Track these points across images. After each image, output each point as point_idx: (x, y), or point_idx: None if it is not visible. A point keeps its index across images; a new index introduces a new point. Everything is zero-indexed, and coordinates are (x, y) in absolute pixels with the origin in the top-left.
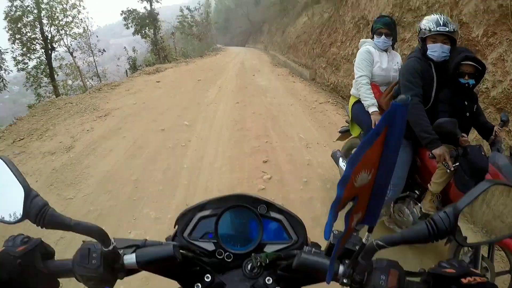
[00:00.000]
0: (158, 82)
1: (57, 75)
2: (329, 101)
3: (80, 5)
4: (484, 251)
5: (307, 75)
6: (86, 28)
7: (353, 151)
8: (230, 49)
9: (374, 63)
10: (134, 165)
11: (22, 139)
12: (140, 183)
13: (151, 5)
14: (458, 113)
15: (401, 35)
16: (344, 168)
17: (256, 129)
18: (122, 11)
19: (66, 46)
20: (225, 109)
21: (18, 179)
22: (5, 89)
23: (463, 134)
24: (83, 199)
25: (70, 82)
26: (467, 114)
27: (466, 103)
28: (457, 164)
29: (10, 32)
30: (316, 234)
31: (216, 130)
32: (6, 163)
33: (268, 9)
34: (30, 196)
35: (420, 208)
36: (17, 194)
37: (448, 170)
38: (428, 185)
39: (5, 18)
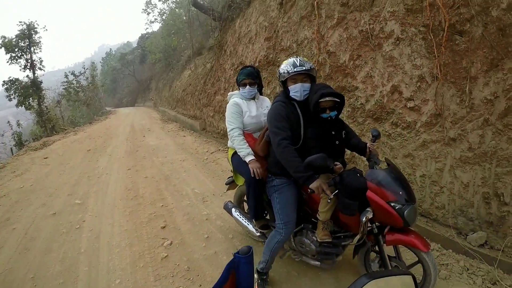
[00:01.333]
0: (46, 158)
1: None
2: (219, 149)
3: None
4: (390, 252)
5: (197, 126)
6: None
7: (245, 197)
8: (120, 110)
9: (243, 113)
10: (28, 260)
11: None
12: (39, 280)
13: (34, 73)
14: (327, 144)
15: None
16: (238, 218)
17: (149, 194)
18: (4, 82)
19: None
20: (117, 178)
21: None
22: None
23: (336, 162)
24: None
25: None
26: (337, 142)
27: (333, 133)
28: (337, 191)
29: None
30: None
31: (109, 203)
32: None
33: (154, 65)
34: None
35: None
36: None
37: (329, 200)
38: (317, 215)
39: None
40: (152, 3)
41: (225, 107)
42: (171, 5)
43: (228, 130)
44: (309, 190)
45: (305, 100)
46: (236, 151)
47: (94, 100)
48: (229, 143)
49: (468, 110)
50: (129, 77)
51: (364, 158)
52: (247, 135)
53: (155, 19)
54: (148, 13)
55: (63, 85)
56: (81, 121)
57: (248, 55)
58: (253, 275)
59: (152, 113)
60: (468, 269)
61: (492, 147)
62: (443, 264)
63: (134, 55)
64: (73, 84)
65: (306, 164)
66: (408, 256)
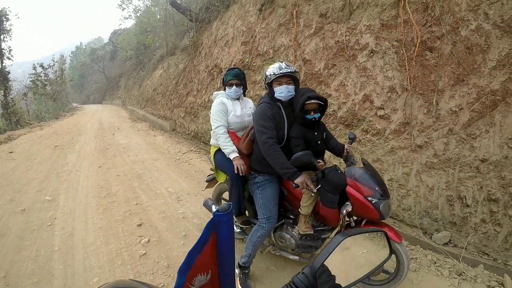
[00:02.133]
0: (11, 152)
1: None
2: (192, 150)
3: None
4: None
5: (167, 126)
6: None
7: (223, 195)
8: (87, 107)
9: (228, 112)
10: None
11: None
12: (11, 279)
13: (1, 62)
14: (310, 143)
15: (252, 78)
16: None
17: (123, 192)
18: None
19: None
20: (87, 175)
21: None
22: None
23: (318, 160)
24: None
25: None
26: (318, 142)
27: (315, 133)
28: (319, 186)
29: None
30: None
31: (81, 201)
32: None
33: (124, 63)
34: None
35: (298, 231)
36: None
37: (313, 194)
38: (299, 209)
39: None
40: None
41: (197, 109)
42: (146, 2)
43: (213, 128)
44: (293, 185)
45: (289, 102)
46: (219, 148)
47: (61, 95)
48: (213, 141)
49: (434, 120)
50: (98, 73)
51: (333, 161)
52: (231, 133)
53: (130, 15)
54: (123, 9)
55: (31, 77)
56: (47, 116)
57: (223, 58)
58: (234, 235)
59: (121, 111)
60: (435, 262)
61: (455, 154)
62: (412, 258)
63: (105, 51)
64: (41, 76)
65: (293, 160)
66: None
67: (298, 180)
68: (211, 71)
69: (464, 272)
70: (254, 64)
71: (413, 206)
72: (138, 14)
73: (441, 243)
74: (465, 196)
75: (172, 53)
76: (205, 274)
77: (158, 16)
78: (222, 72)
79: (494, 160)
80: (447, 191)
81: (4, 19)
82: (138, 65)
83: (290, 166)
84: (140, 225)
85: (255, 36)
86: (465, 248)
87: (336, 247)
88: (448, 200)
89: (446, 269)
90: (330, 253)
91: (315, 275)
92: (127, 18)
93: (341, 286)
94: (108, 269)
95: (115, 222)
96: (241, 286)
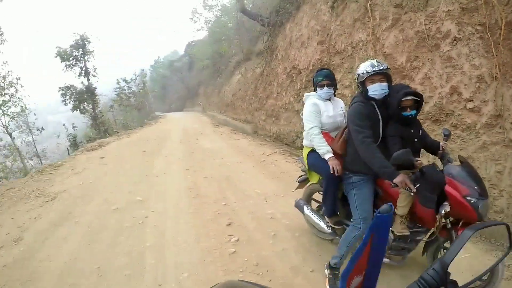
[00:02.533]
0: (102, 158)
1: None
2: (276, 152)
3: (17, 83)
4: None
5: (248, 129)
6: (24, 106)
7: (313, 196)
8: (169, 115)
9: (321, 113)
10: (93, 251)
11: None
12: (105, 270)
13: (88, 79)
14: (407, 142)
15: None
16: (310, 215)
17: (212, 193)
18: (60, 88)
19: (4, 126)
20: (176, 178)
21: None
22: None
23: (416, 158)
24: None
25: (9, 163)
26: (415, 140)
27: (412, 131)
28: (418, 185)
29: None
30: (297, 283)
31: (172, 201)
32: None
33: (202, 72)
34: None
35: (393, 231)
36: None
37: (412, 193)
38: (395, 210)
39: None
40: (198, 12)
41: (278, 111)
42: (216, 13)
43: (306, 129)
44: (392, 184)
45: (383, 100)
46: (312, 149)
47: (144, 105)
48: (305, 142)
49: None
50: (177, 83)
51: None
52: (324, 134)
53: (202, 27)
54: (195, 22)
55: (115, 91)
56: (133, 124)
57: (301, 59)
58: (387, 238)
59: (202, 117)
60: None
61: None
62: (506, 265)
63: (182, 62)
64: (125, 90)
65: (393, 159)
66: None
67: (397, 180)
68: (290, 73)
69: None
70: (333, 62)
71: (506, 208)
72: (209, 25)
73: None
74: None
75: (248, 58)
76: (360, 275)
77: (230, 25)
78: (301, 73)
79: None
80: None
81: (86, 42)
82: (215, 72)
83: (389, 165)
84: (229, 224)
85: (331, 34)
86: None
87: (466, 242)
88: None
89: None
90: (461, 248)
91: (446, 270)
92: (199, 30)
93: (456, 282)
94: (198, 265)
95: (205, 221)
96: (329, 287)
